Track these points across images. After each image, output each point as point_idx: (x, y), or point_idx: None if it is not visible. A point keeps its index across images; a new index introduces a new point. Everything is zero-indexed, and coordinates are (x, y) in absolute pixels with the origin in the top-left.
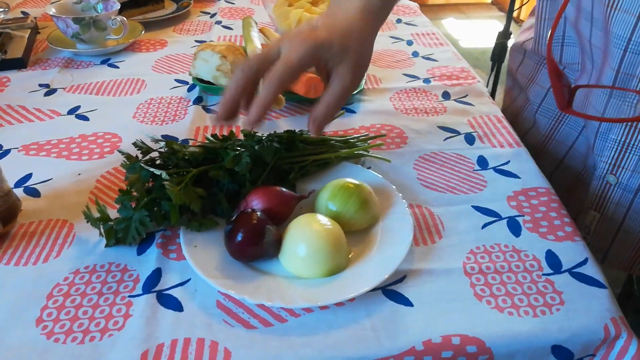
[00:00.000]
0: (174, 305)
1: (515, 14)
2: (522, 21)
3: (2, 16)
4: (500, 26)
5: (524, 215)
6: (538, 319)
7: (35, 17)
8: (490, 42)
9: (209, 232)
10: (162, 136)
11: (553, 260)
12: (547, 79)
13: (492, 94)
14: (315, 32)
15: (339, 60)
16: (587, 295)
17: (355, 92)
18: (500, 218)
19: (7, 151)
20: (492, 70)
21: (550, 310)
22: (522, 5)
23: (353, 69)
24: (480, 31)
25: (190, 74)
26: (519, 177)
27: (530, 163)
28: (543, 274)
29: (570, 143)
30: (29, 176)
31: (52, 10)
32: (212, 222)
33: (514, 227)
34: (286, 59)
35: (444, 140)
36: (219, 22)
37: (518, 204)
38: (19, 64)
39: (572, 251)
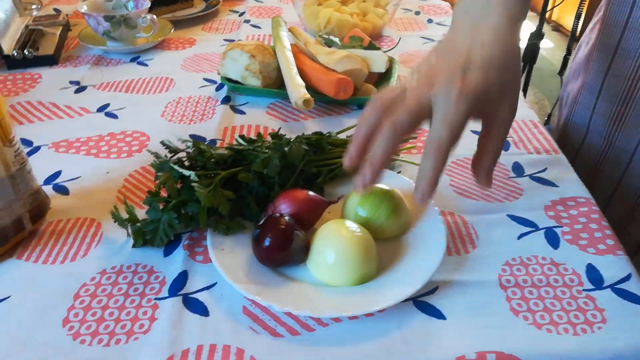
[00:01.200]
0: (200, 309)
1: (546, 14)
2: (554, 22)
3: (34, 13)
4: (531, 26)
5: (562, 226)
6: (578, 338)
7: (66, 14)
8: (521, 43)
9: (236, 236)
10: (190, 136)
11: (594, 275)
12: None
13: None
14: (470, 79)
15: (499, 103)
16: (631, 314)
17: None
18: (537, 229)
19: (38, 148)
20: (523, 71)
21: (591, 328)
22: (555, 6)
23: (513, 104)
24: None
25: (218, 73)
26: (556, 186)
27: (569, 171)
28: (583, 290)
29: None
30: (58, 173)
31: (83, 8)
32: (239, 225)
33: (552, 239)
34: (449, 123)
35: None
36: (247, 21)
37: (556, 214)
38: (51, 60)
39: (614, 266)
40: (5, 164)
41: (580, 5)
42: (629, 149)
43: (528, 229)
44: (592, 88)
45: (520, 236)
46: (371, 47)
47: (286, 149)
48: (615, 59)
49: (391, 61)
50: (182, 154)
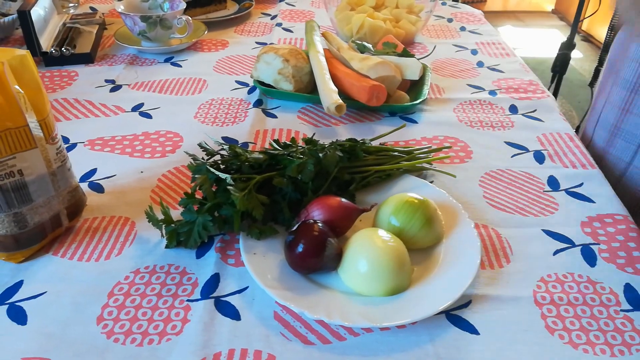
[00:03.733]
0: (232, 313)
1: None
2: (585, 32)
3: (72, 11)
4: (560, 36)
5: (599, 244)
6: (616, 359)
7: (102, 13)
8: (548, 52)
9: (268, 240)
10: (222, 138)
11: (632, 295)
12: None
13: None
14: None
15: None
16: None
17: (417, 101)
18: (573, 245)
19: (74, 145)
20: (552, 81)
21: (629, 350)
22: (587, 17)
23: None
24: (538, 40)
25: (251, 76)
26: (593, 202)
27: (606, 187)
28: (621, 310)
29: None
30: (93, 171)
31: (120, 8)
32: (272, 230)
33: (589, 256)
34: None
35: (512, 157)
36: (279, 24)
37: (593, 230)
38: (87, 58)
39: None
40: (47, 161)
41: (613, 17)
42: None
43: (564, 245)
44: None
45: (556, 252)
46: (405, 54)
47: (321, 155)
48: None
49: (424, 68)
50: (217, 157)
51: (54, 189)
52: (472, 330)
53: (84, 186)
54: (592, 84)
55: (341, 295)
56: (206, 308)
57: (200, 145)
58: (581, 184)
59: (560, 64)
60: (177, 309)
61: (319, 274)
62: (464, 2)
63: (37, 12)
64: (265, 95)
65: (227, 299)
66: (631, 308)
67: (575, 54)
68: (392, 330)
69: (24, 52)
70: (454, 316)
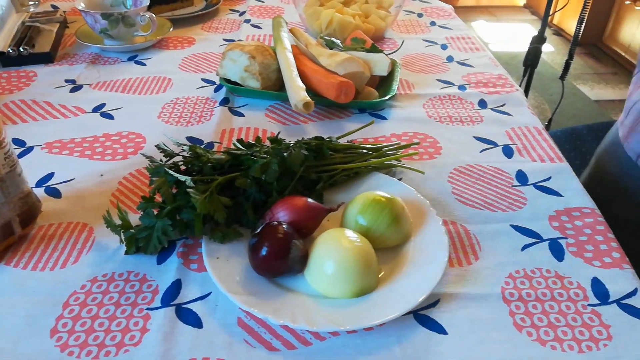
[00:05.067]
0: (194, 320)
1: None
2: (556, 26)
3: (32, 9)
4: (532, 30)
5: (567, 238)
6: (584, 355)
7: (64, 11)
8: (521, 46)
9: (232, 244)
10: (187, 138)
11: (599, 290)
12: None
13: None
14: None
15: None
16: (637, 330)
17: (386, 97)
18: (541, 240)
19: (31, 148)
20: (524, 75)
21: (597, 345)
22: (557, 10)
23: None
24: (511, 35)
25: (217, 74)
26: (561, 195)
27: (574, 180)
28: (589, 305)
29: None
30: (50, 175)
31: (81, 5)
32: (236, 233)
33: (557, 250)
34: None
35: (481, 152)
36: (247, 21)
37: (561, 224)
38: (46, 58)
39: (620, 280)
40: None
41: (583, 10)
42: None
43: (532, 240)
44: None
45: (524, 247)
46: (373, 49)
47: (285, 154)
48: None
49: (393, 64)
50: (178, 158)
51: (4, 196)
52: (440, 330)
53: (40, 191)
54: (562, 77)
55: (307, 299)
56: (167, 316)
57: (157, 146)
58: (549, 178)
59: (532, 58)
60: (136, 318)
61: (284, 277)
62: None
63: None
64: (232, 93)
65: (188, 306)
66: (598, 302)
67: (547, 48)
68: (360, 332)
69: None
70: (422, 316)
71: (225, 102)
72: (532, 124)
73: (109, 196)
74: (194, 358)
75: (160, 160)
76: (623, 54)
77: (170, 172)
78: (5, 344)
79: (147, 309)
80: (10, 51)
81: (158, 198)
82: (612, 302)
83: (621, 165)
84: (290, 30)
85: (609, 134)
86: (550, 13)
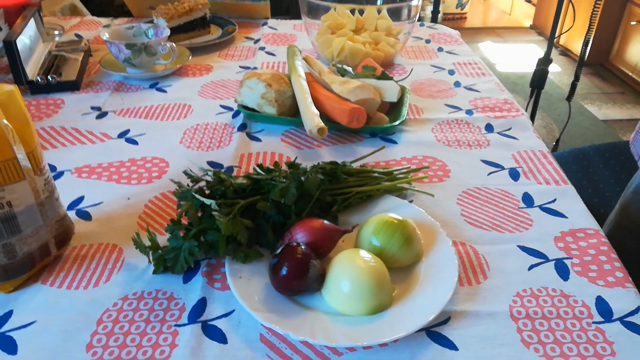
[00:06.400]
0: (218, 336)
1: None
2: (562, 46)
3: (57, 39)
4: (539, 51)
5: (572, 258)
6: None
7: (88, 40)
8: (528, 67)
9: (253, 264)
10: (208, 162)
11: (603, 308)
12: None
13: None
14: None
15: None
16: None
17: (397, 123)
18: (547, 260)
19: (61, 173)
20: (531, 96)
21: None
22: (563, 32)
23: None
24: (518, 55)
25: (235, 101)
26: (566, 217)
27: (578, 202)
28: (593, 322)
29: None
30: (81, 199)
31: (105, 35)
32: (257, 253)
33: (562, 270)
34: None
35: (488, 174)
36: (262, 48)
37: (565, 245)
38: (73, 86)
39: (623, 298)
40: (36, 192)
41: (587, 33)
42: None
43: (538, 260)
44: None
45: (531, 267)
46: (384, 76)
47: (303, 178)
48: None
49: (403, 90)
50: (202, 182)
51: (43, 219)
52: (451, 346)
53: (72, 214)
54: (569, 99)
55: (325, 316)
56: (193, 332)
57: (185, 172)
58: (554, 200)
59: (539, 79)
60: (165, 334)
61: (303, 295)
62: (445, 18)
63: (22, 41)
64: (249, 119)
65: (213, 322)
66: (602, 320)
67: (554, 68)
68: (375, 348)
69: (12, 88)
70: (434, 333)
71: (243, 127)
72: (538, 148)
73: (136, 218)
74: None
75: (187, 185)
76: (630, 74)
77: (197, 196)
78: (44, 359)
79: (175, 325)
80: (39, 80)
81: (184, 220)
82: (616, 319)
83: None
84: (304, 59)
85: (633, 179)
86: (556, 35)
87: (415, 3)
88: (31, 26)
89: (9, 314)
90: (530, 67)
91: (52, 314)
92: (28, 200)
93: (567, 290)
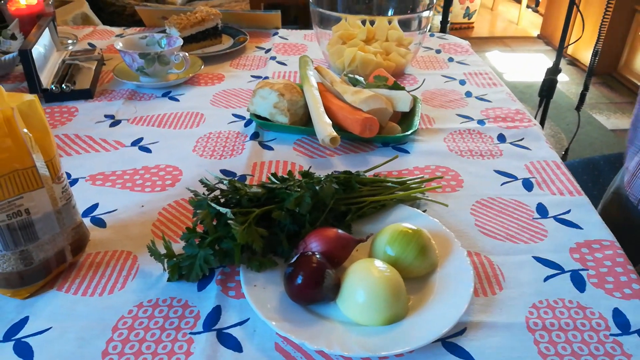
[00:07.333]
0: (234, 345)
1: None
2: (570, 56)
3: (70, 47)
4: (546, 60)
5: (588, 269)
6: None
7: (101, 49)
8: (536, 76)
9: (268, 272)
10: (220, 171)
11: (621, 320)
12: None
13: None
14: None
15: None
16: None
17: (409, 132)
18: (563, 271)
19: (76, 180)
20: (539, 106)
21: None
22: (572, 43)
23: None
24: (525, 65)
25: (248, 110)
26: (581, 228)
27: (593, 213)
28: (610, 334)
29: None
30: (95, 206)
31: (119, 45)
32: (272, 262)
33: (578, 282)
34: None
35: (501, 185)
36: (273, 58)
37: (581, 256)
38: (87, 94)
39: None
40: (53, 200)
41: (597, 44)
42: None
43: (554, 271)
44: None
45: (547, 278)
46: (396, 86)
47: (317, 187)
48: None
49: (415, 100)
50: (217, 191)
51: (59, 226)
52: (467, 357)
53: (87, 221)
54: (578, 108)
55: (340, 326)
56: (208, 340)
57: (201, 181)
58: (569, 211)
59: (547, 89)
60: (180, 342)
61: (318, 304)
62: (452, 28)
63: (37, 50)
64: (261, 128)
65: (228, 331)
66: (620, 332)
67: (562, 78)
68: (391, 359)
69: (33, 97)
70: (450, 344)
71: (255, 136)
72: (551, 158)
73: (150, 226)
74: None
75: (203, 193)
76: (638, 84)
77: (213, 204)
78: None
79: (190, 333)
80: (54, 88)
81: (199, 228)
82: (633, 332)
83: (626, 212)
84: (316, 68)
85: (615, 179)
86: (565, 45)
87: (426, 15)
88: (46, 35)
89: (24, 320)
90: (537, 77)
91: (68, 321)
92: (46, 208)
93: (584, 302)
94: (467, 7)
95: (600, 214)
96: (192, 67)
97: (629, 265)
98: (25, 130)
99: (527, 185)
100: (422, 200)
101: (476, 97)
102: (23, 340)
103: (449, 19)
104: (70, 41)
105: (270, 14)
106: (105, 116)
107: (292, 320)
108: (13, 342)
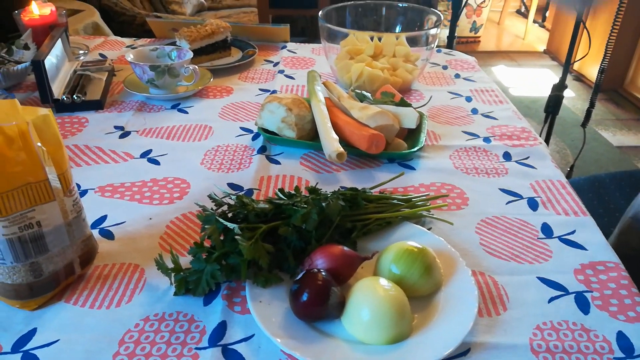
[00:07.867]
0: None
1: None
2: (577, 72)
3: (82, 58)
4: (552, 75)
5: (592, 291)
6: None
7: (111, 60)
8: (542, 91)
9: (273, 288)
10: (228, 184)
11: (624, 343)
12: None
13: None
14: None
15: None
16: None
17: (415, 149)
18: (567, 292)
19: (85, 191)
20: (545, 121)
21: None
22: (578, 59)
23: None
24: (531, 80)
25: (256, 124)
26: (585, 249)
27: (597, 234)
28: (614, 358)
29: None
30: (104, 218)
31: (130, 57)
32: (277, 278)
33: (583, 304)
34: None
35: (506, 203)
36: (281, 71)
37: (586, 278)
38: (97, 105)
39: None
40: (64, 213)
41: (603, 61)
42: None
43: (558, 293)
44: None
45: (551, 299)
46: (402, 103)
47: (324, 204)
48: None
49: (421, 116)
50: (225, 206)
51: (69, 239)
52: None
53: (95, 233)
54: (584, 125)
55: (344, 344)
56: (214, 356)
57: (210, 196)
58: (574, 231)
59: (553, 105)
60: (185, 357)
61: (323, 322)
62: (459, 42)
63: (49, 61)
64: (269, 142)
65: (234, 347)
66: (624, 356)
67: (568, 93)
68: None
69: (47, 111)
70: None
71: (262, 150)
72: (556, 178)
73: (158, 239)
74: None
75: (211, 208)
76: None
77: (221, 220)
78: None
79: (196, 348)
80: (65, 98)
81: (207, 243)
82: (637, 356)
83: None
84: (324, 83)
85: (633, 204)
86: (571, 62)
87: (434, 32)
88: (58, 46)
89: (32, 332)
90: (543, 92)
91: (75, 333)
92: (57, 221)
93: (588, 325)
94: (474, 21)
95: (616, 239)
96: (202, 80)
97: (633, 287)
98: (39, 144)
99: (532, 204)
100: (427, 218)
101: (482, 115)
102: (31, 352)
103: (455, 34)
104: (81, 51)
105: (279, 27)
106: (115, 127)
107: (297, 338)
108: (21, 354)
